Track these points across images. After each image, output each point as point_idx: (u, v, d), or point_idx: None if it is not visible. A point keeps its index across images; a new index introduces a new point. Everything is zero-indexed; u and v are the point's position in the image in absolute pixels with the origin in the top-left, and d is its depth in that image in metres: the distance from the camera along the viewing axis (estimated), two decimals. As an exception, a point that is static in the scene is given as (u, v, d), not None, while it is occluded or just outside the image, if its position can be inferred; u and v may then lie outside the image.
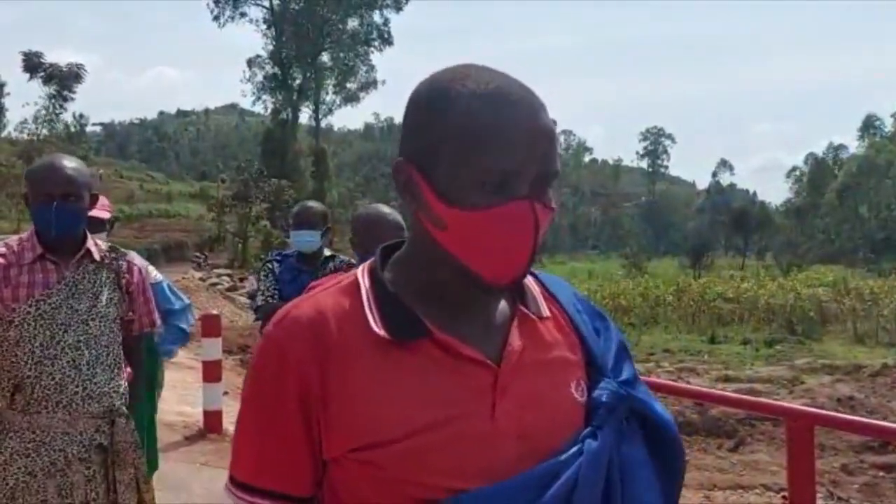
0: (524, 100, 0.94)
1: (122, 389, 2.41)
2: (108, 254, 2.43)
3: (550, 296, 1.09)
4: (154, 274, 3.32)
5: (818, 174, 78.05)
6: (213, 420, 6.77)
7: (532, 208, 0.92)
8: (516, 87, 0.95)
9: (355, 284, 1.02)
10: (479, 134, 0.92)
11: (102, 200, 3.59)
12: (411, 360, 0.96)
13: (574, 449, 0.97)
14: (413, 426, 0.93)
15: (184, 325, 3.65)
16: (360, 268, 1.05)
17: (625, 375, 1.06)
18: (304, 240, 4.00)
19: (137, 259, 2.53)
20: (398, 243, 1.07)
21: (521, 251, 0.94)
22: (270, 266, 4.04)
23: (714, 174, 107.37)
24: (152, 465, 3.31)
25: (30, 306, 2.27)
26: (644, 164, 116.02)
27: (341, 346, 0.96)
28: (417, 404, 0.94)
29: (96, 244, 2.42)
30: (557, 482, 0.94)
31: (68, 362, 2.28)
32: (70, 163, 2.35)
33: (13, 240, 2.39)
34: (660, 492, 1.02)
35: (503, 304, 1.03)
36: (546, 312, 1.06)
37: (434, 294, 1.00)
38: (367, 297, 1.00)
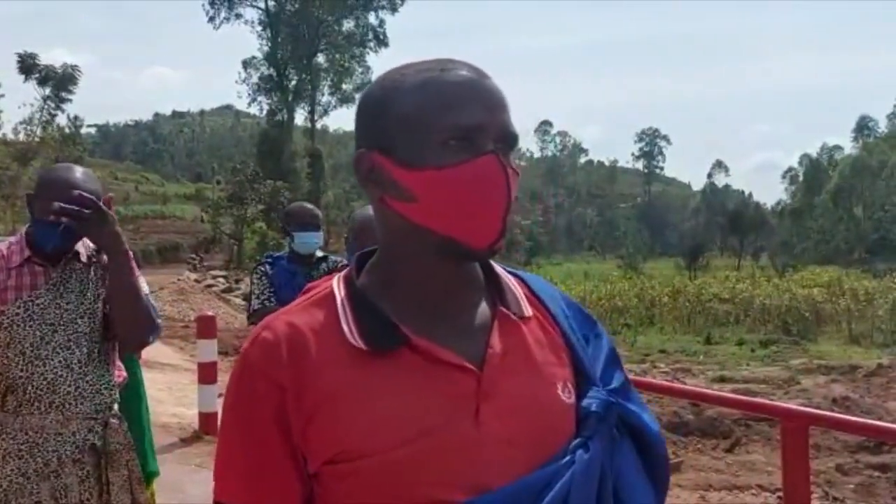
0: (470, 66, 0.97)
1: (113, 387, 2.40)
2: (95, 254, 2.42)
3: (534, 296, 1.06)
4: None
5: (813, 175, 78.03)
6: (208, 422, 6.76)
7: (500, 161, 0.93)
8: (460, 60, 0.98)
9: (330, 295, 1.00)
10: (436, 95, 0.93)
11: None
12: (390, 369, 0.93)
13: (565, 459, 0.94)
14: (396, 438, 0.90)
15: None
16: (336, 277, 1.03)
17: (615, 384, 1.03)
18: (312, 241, 3.97)
19: None
20: (374, 250, 1.04)
21: (495, 207, 0.93)
22: (263, 269, 3.96)
23: (709, 175, 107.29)
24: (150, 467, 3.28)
25: (18, 307, 2.27)
26: (640, 165, 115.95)
27: (318, 361, 0.94)
28: (399, 415, 0.91)
29: (84, 245, 2.41)
30: (550, 493, 0.91)
31: (59, 362, 2.27)
32: (84, 178, 2.33)
33: (3, 245, 2.38)
34: (654, 500, 1.01)
35: (483, 306, 1.00)
36: (528, 312, 1.03)
37: (411, 296, 0.98)
38: (343, 308, 0.97)
